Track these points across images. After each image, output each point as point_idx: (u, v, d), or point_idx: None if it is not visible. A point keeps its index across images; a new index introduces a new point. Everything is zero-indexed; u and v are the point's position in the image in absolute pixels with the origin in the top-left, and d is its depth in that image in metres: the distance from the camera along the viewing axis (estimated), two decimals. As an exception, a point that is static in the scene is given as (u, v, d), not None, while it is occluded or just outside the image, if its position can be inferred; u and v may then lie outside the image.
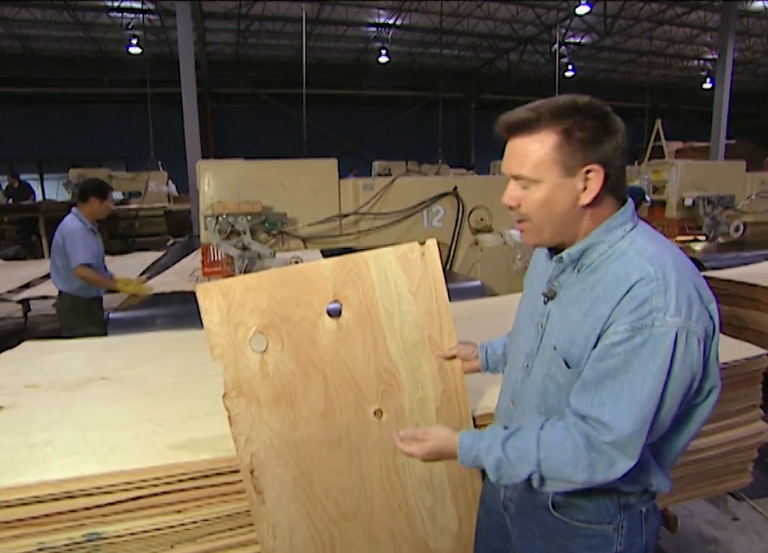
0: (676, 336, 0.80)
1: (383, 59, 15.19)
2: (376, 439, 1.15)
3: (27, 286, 4.08)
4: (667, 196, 5.21)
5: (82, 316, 3.13)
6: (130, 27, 12.98)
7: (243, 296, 1.02)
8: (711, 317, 0.85)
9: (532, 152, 0.87)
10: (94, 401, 1.45)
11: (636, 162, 9.60)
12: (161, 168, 10.10)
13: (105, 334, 2.27)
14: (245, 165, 2.93)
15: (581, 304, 0.88)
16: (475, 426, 1.24)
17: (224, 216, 2.66)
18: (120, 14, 12.55)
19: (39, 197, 12.28)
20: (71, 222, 3.14)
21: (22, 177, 11.10)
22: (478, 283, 2.90)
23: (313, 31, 13.51)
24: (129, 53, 13.44)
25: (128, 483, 1.08)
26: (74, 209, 3.24)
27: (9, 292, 3.92)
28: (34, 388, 1.55)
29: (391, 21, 13.85)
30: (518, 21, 13.68)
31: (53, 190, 14.62)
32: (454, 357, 1.17)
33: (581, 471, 0.84)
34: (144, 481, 1.07)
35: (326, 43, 14.87)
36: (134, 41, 13.04)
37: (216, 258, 2.87)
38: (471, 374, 1.22)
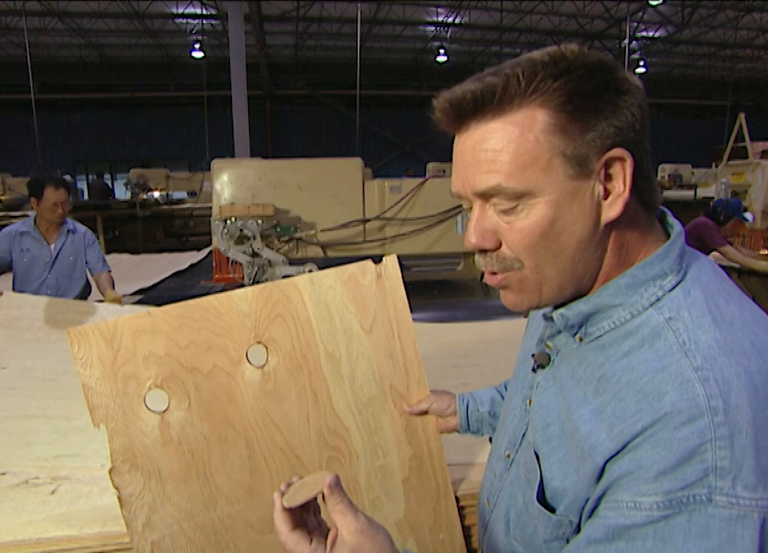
0: (763, 525, 0.42)
1: (441, 58, 14.85)
2: (323, 522, 0.88)
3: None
4: (750, 202, 4.62)
5: None
6: (193, 32, 13.40)
7: (134, 340, 0.77)
8: None
9: (512, 142, 0.50)
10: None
11: (714, 164, 8.73)
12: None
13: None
14: (260, 165, 2.73)
15: (581, 390, 0.54)
16: (459, 509, 0.94)
17: (233, 219, 2.47)
18: (185, 20, 12.98)
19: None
20: (13, 225, 2.78)
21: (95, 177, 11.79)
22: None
23: (370, 31, 13.39)
24: (192, 57, 13.87)
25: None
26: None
27: None
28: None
29: (450, 20, 13.49)
30: (585, 15, 12.93)
31: (122, 190, 15.47)
32: (425, 412, 0.89)
33: None
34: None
35: (384, 43, 14.72)
36: (197, 46, 13.44)
37: (229, 264, 2.69)
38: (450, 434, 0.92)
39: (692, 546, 0.43)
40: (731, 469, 0.43)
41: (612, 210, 0.52)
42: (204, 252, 4.75)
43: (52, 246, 2.76)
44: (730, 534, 0.42)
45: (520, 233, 0.52)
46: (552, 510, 0.55)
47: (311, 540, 0.54)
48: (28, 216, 2.86)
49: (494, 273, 0.56)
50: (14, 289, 2.77)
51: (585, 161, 0.50)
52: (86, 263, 2.83)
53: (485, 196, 0.53)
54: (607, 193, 0.52)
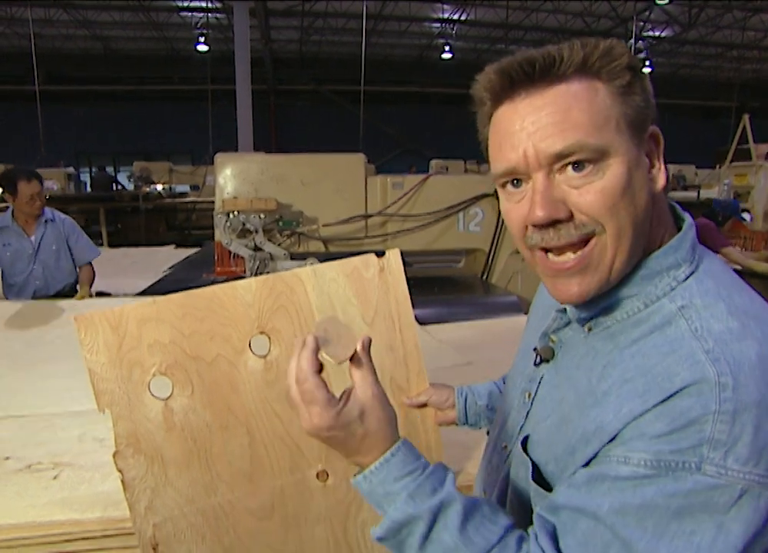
0: (740, 497, 0.43)
1: (446, 55, 14.81)
2: (321, 509, 0.89)
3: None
4: (752, 204, 4.60)
5: None
6: (198, 26, 13.38)
7: (139, 328, 0.78)
8: None
9: (586, 102, 0.50)
10: None
11: (717, 166, 8.71)
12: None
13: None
14: (263, 159, 2.74)
15: (586, 378, 0.55)
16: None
17: (235, 213, 2.48)
18: (190, 13, 12.96)
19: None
20: None
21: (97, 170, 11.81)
22: (513, 298, 2.55)
23: (376, 27, 13.36)
24: (197, 51, 13.85)
25: None
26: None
27: None
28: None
29: (455, 16, 13.46)
30: (591, 14, 12.89)
31: (124, 183, 15.47)
32: (424, 405, 0.90)
33: None
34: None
35: (389, 39, 14.69)
36: (202, 39, 13.42)
37: (231, 257, 2.70)
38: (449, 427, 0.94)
39: (661, 501, 0.44)
40: (726, 442, 0.43)
41: (657, 182, 0.54)
42: (182, 253, 4.72)
43: (32, 237, 2.76)
44: (707, 497, 0.43)
45: (600, 192, 0.50)
46: (549, 490, 0.56)
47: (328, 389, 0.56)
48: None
49: (570, 246, 0.52)
50: (2, 282, 2.80)
51: (642, 129, 0.53)
52: (71, 252, 2.84)
53: (560, 157, 0.50)
54: (651, 166, 0.54)
